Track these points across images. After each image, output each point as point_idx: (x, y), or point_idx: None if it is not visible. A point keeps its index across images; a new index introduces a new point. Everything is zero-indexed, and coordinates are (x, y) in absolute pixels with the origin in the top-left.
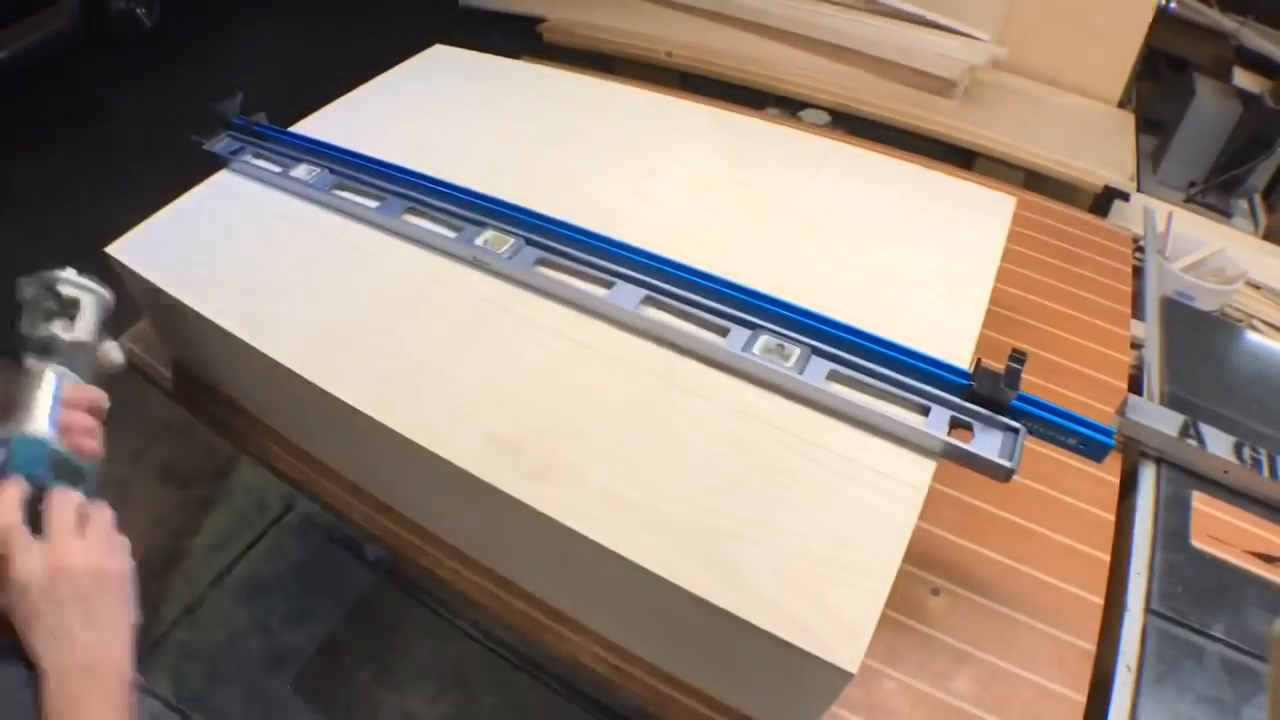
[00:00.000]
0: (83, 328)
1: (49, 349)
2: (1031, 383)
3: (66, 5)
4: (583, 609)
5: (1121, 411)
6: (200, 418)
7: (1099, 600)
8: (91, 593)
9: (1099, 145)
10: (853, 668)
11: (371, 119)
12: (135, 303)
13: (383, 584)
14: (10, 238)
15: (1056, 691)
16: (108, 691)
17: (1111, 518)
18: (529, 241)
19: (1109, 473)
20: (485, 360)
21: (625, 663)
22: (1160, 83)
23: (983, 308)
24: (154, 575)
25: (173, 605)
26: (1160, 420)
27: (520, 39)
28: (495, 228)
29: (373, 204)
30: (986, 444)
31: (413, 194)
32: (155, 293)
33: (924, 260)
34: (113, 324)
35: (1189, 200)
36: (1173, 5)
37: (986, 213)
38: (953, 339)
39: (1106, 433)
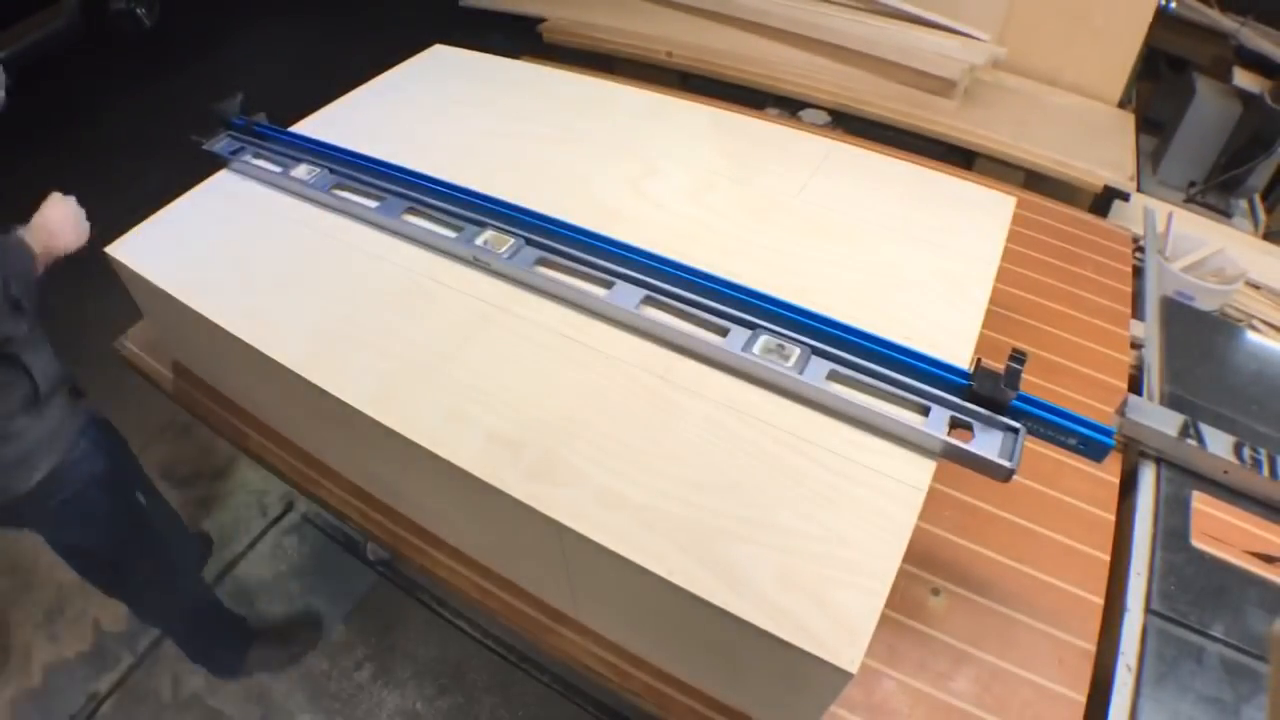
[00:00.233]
0: None
1: None
2: (1031, 383)
3: (66, 5)
4: (583, 609)
5: (1121, 411)
6: (200, 418)
7: (1099, 600)
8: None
9: (1099, 145)
10: (853, 668)
11: (371, 119)
12: (135, 303)
13: (383, 584)
14: None
15: (1056, 691)
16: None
17: (1111, 518)
18: (529, 241)
19: (1109, 473)
20: (485, 360)
21: (625, 663)
22: (1160, 83)
23: (983, 308)
24: None
25: None
26: (1160, 420)
27: (520, 39)
28: (495, 228)
29: (372, 204)
30: (986, 444)
31: (413, 194)
32: (156, 293)
33: (924, 260)
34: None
35: (1189, 200)
36: (1173, 5)
37: (986, 213)
38: (953, 339)
39: (1106, 433)
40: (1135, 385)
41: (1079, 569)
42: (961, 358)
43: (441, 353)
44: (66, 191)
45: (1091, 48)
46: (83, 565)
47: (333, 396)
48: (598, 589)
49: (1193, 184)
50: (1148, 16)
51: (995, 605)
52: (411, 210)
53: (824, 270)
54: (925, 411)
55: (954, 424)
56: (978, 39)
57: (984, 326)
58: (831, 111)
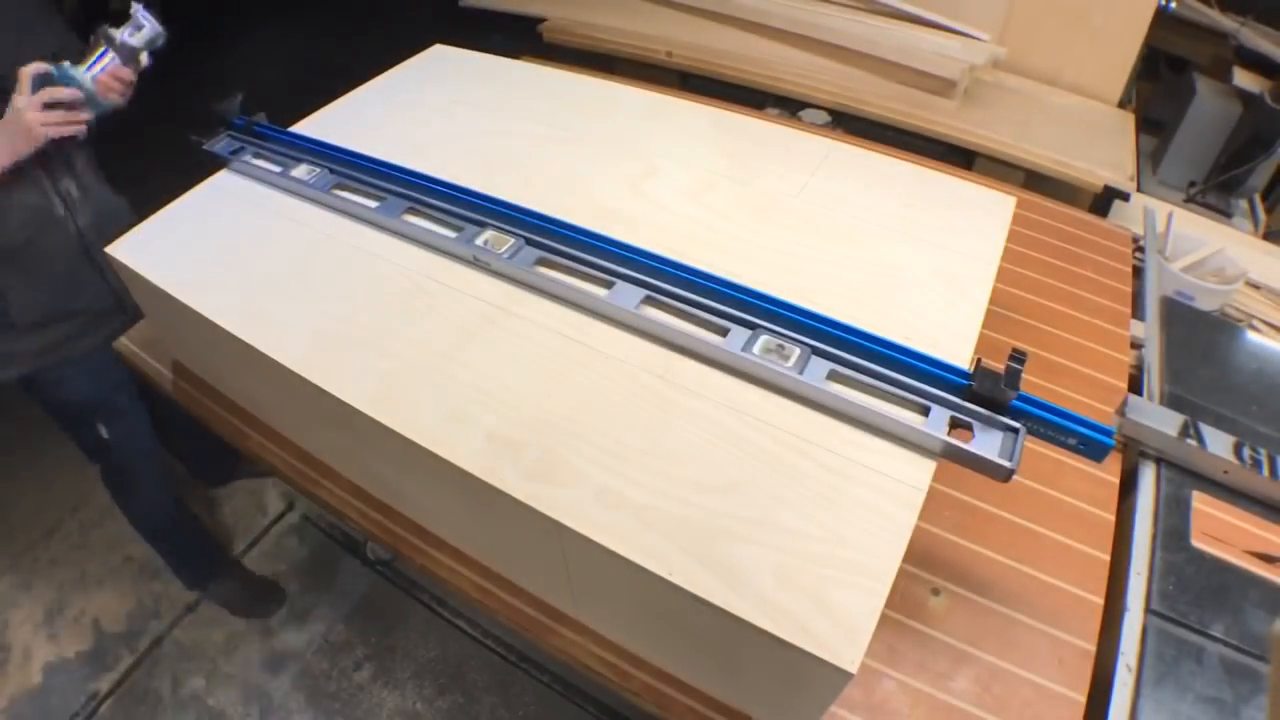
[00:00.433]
0: (138, 37)
1: (111, 41)
2: (1031, 383)
3: (67, 5)
4: (583, 609)
5: (1121, 411)
6: (200, 418)
7: (1099, 600)
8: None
9: (1099, 145)
10: (853, 668)
11: (371, 119)
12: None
13: (383, 584)
14: None
15: (1056, 691)
16: None
17: (1111, 518)
18: (529, 241)
19: (1109, 473)
20: (485, 360)
21: (625, 663)
22: (1160, 83)
23: (983, 308)
24: (154, 575)
25: (173, 605)
26: (1160, 420)
27: (520, 39)
28: (495, 228)
29: (373, 204)
30: (986, 444)
31: (413, 194)
32: (156, 293)
33: (924, 260)
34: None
35: (1189, 200)
36: (1173, 5)
37: (986, 213)
38: (953, 339)
39: (1106, 433)
40: (1135, 385)
41: (1079, 569)
42: (961, 358)
43: (441, 353)
44: None
45: (1091, 48)
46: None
47: (333, 396)
48: (598, 589)
49: (1193, 184)
50: (1147, 16)
51: (995, 605)
52: (411, 210)
53: (824, 270)
54: (925, 411)
55: (954, 424)
56: (978, 39)
57: (984, 326)
58: (831, 111)
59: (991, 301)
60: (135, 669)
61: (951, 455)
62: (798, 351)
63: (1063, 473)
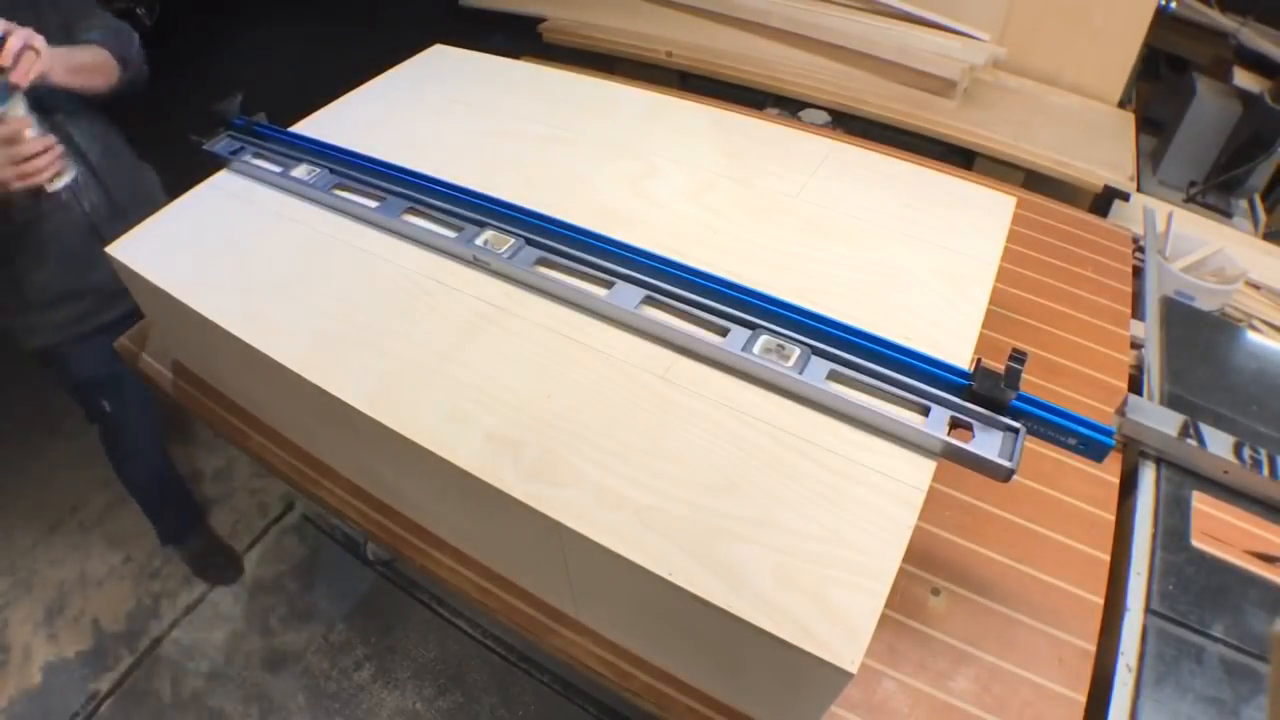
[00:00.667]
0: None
1: None
2: (1031, 383)
3: None
4: (583, 609)
5: (1121, 411)
6: (200, 418)
7: (1099, 600)
8: None
9: (1099, 145)
10: (853, 668)
11: (371, 119)
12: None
13: (383, 584)
14: None
15: (1056, 691)
16: None
17: (1111, 518)
18: (529, 241)
19: (1109, 473)
20: (485, 360)
21: (625, 663)
22: (1160, 83)
23: (983, 308)
24: (154, 575)
25: (173, 605)
26: (1160, 420)
27: (520, 39)
28: (495, 228)
29: (372, 204)
30: (986, 444)
31: (413, 194)
32: (156, 293)
33: (924, 260)
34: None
35: (1189, 200)
36: (1173, 5)
37: (986, 213)
38: (953, 339)
39: (1106, 433)
40: (1135, 385)
41: (1079, 569)
42: (961, 358)
43: (441, 353)
44: None
45: (1091, 48)
46: None
47: (333, 396)
48: (598, 589)
49: (1193, 184)
50: (1147, 16)
51: (995, 605)
52: (411, 210)
53: (824, 270)
54: (925, 411)
55: (954, 424)
56: (978, 39)
57: (984, 326)
58: (831, 111)
59: (991, 301)
60: (135, 669)
61: (951, 455)
62: (798, 351)
63: (1063, 473)
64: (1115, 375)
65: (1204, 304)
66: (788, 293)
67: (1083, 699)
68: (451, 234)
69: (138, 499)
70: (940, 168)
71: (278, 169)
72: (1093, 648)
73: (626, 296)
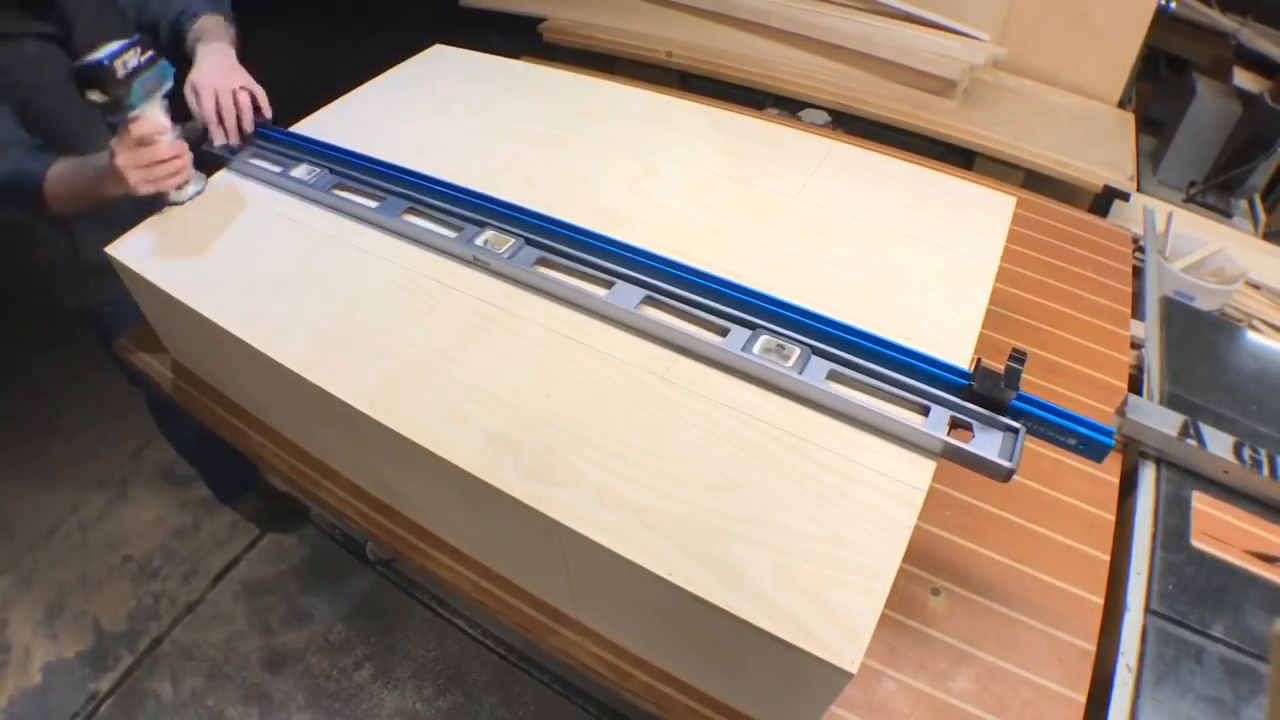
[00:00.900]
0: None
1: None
2: (1031, 383)
3: None
4: (583, 609)
5: (1121, 411)
6: (200, 418)
7: (1099, 600)
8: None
9: (1099, 145)
10: (853, 668)
11: (371, 119)
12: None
13: (383, 584)
14: None
15: (1056, 691)
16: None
17: (1111, 518)
18: (529, 241)
19: (1109, 473)
20: (485, 360)
21: (625, 663)
22: (1160, 83)
23: (983, 308)
24: (154, 575)
25: (173, 605)
26: (1160, 420)
27: (520, 39)
28: (495, 228)
29: (372, 204)
30: (986, 444)
31: (412, 194)
32: (156, 293)
33: (924, 260)
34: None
35: (1189, 200)
36: (1173, 5)
37: (986, 213)
38: (953, 339)
39: (1106, 433)
40: (1135, 385)
41: (1079, 569)
42: (961, 358)
43: (441, 353)
44: None
45: (1091, 48)
46: None
47: (333, 396)
48: (598, 589)
49: (1193, 184)
50: (1147, 16)
51: (995, 605)
52: (411, 210)
53: (824, 270)
54: (925, 411)
55: (954, 424)
56: (978, 39)
57: (984, 326)
58: (831, 111)
59: (991, 301)
60: (135, 669)
61: (951, 455)
62: (798, 351)
63: (1063, 473)
64: (1115, 375)
65: (1204, 304)
66: (788, 293)
67: (1083, 699)
68: (451, 234)
69: (187, 457)
70: (940, 168)
71: (278, 169)
72: (1093, 648)
73: (626, 296)
